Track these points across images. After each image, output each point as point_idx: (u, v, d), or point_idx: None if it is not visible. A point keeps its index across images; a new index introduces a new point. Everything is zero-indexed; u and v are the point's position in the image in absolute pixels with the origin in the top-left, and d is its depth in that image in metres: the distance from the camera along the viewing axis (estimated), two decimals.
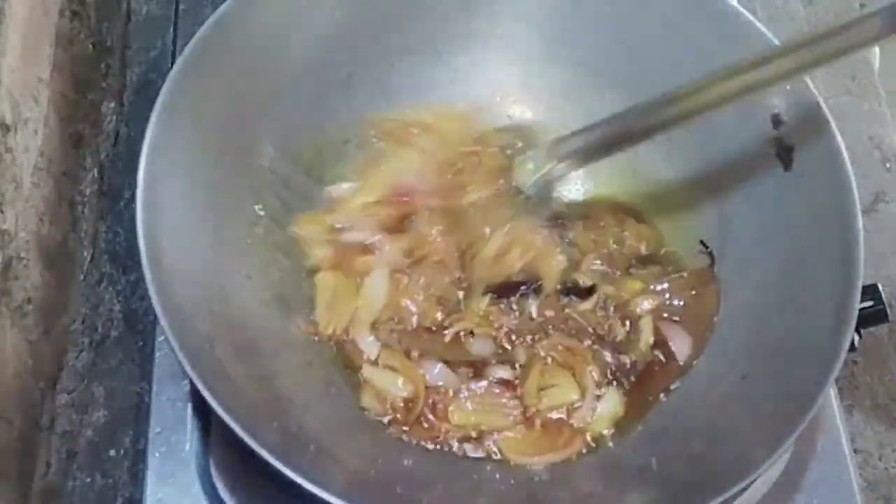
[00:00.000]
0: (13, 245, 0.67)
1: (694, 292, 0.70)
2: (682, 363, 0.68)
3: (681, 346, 0.69)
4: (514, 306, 0.70)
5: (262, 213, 0.71)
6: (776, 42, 0.69)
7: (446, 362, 0.68)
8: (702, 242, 0.72)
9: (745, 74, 0.61)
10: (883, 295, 0.66)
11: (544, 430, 0.67)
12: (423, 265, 0.71)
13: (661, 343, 0.69)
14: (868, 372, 0.77)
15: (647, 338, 0.69)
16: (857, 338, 0.64)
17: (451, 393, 0.67)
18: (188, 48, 0.66)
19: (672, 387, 0.68)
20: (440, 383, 0.67)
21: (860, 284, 0.62)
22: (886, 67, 0.92)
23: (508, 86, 0.79)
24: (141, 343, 0.72)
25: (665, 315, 0.70)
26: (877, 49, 1.14)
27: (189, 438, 0.64)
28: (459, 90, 0.79)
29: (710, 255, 0.71)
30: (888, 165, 0.86)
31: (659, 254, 0.73)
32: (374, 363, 0.68)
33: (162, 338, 0.67)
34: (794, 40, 0.61)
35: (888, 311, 0.67)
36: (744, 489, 0.60)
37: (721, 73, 0.61)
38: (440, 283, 0.70)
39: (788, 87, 0.69)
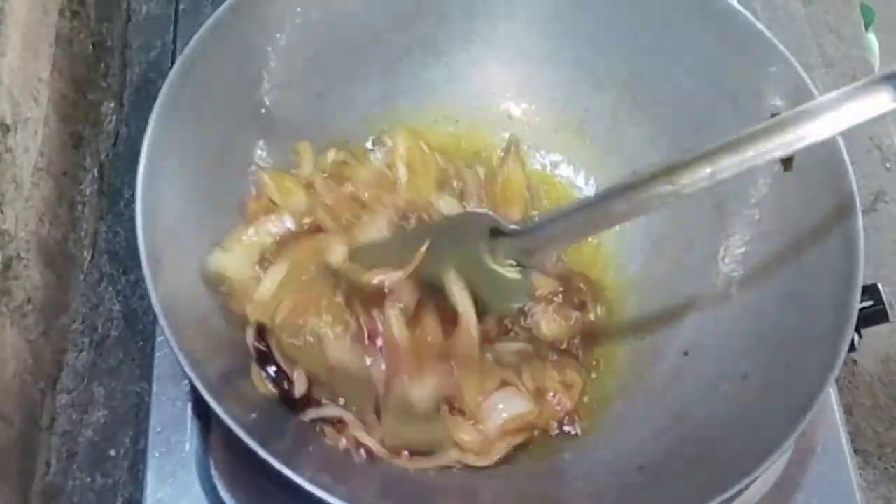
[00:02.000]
0: (13, 245, 0.67)
1: None
2: None
3: None
4: None
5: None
6: (776, 42, 0.69)
7: None
8: None
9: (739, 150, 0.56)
10: (883, 295, 0.66)
11: None
12: None
13: None
14: (868, 372, 0.77)
15: None
16: (857, 338, 0.64)
17: None
18: (188, 48, 0.66)
19: None
20: None
21: (860, 284, 0.62)
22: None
23: (508, 86, 0.79)
24: (141, 343, 0.72)
25: None
26: (876, 49, 1.14)
27: (189, 438, 0.64)
28: (459, 90, 0.79)
29: None
30: (888, 165, 0.86)
31: None
32: None
33: (162, 338, 0.67)
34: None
35: (888, 311, 0.67)
36: (744, 489, 0.60)
37: (701, 153, 0.57)
38: None
39: (790, 88, 0.69)
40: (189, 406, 0.65)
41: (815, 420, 0.66)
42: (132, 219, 0.60)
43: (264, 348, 0.64)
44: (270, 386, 0.63)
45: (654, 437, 0.66)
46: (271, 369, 0.63)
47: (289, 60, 0.72)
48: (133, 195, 0.61)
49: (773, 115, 0.69)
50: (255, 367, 0.64)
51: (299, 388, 0.63)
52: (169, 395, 0.66)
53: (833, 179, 0.65)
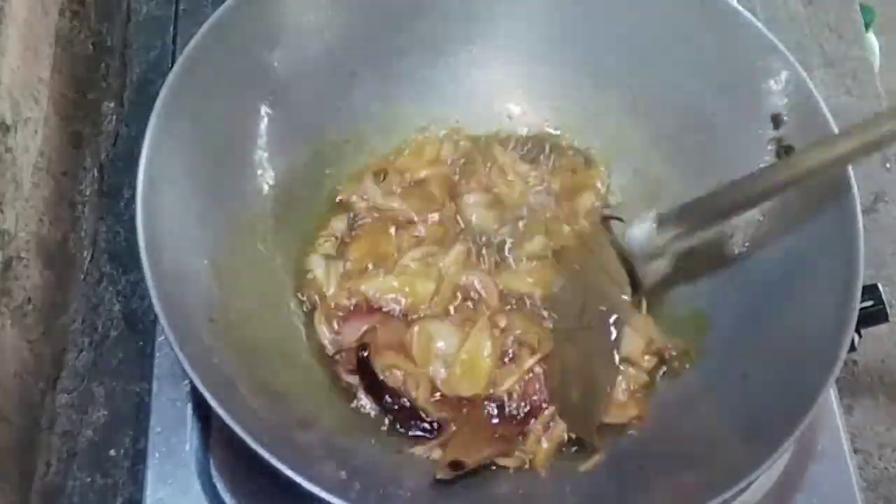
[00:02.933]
0: (13, 245, 0.67)
1: None
2: None
3: None
4: None
5: (261, 213, 0.71)
6: (776, 42, 0.69)
7: None
8: None
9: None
10: (883, 295, 0.66)
11: None
12: None
13: None
14: (868, 372, 0.77)
15: None
16: (857, 338, 0.64)
17: None
18: (188, 48, 0.66)
19: None
20: None
21: (860, 284, 0.62)
22: (886, 67, 0.92)
23: (508, 86, 0.79)
24: (141, 343, 0.72)
25: None
26: (877, 49, 1.14)
27: (189, 438, 0.64)
28: (459, 90, 0.79)
29: None
30: (888, 165, 0.86)
31: None
32: None
33: (162, 338, 0.67)
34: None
35: (888, 311, 0.67)
36: (744, 489, 0.60)
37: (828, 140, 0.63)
38: None
39: (790, 88, 0.69)
40: (189, 406, 0.65)
41: (815, 420, 0.66)
42: (132, 219, 0.60)
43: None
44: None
45: (654, 437, 0.66)
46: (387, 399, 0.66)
47: (288, 60, 0.72)
48: (133, 195, 0.61)
49: (773, 116, 0.69)
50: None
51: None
52: (169, 395, 0.66)
53: (833, 179, 0.65)
